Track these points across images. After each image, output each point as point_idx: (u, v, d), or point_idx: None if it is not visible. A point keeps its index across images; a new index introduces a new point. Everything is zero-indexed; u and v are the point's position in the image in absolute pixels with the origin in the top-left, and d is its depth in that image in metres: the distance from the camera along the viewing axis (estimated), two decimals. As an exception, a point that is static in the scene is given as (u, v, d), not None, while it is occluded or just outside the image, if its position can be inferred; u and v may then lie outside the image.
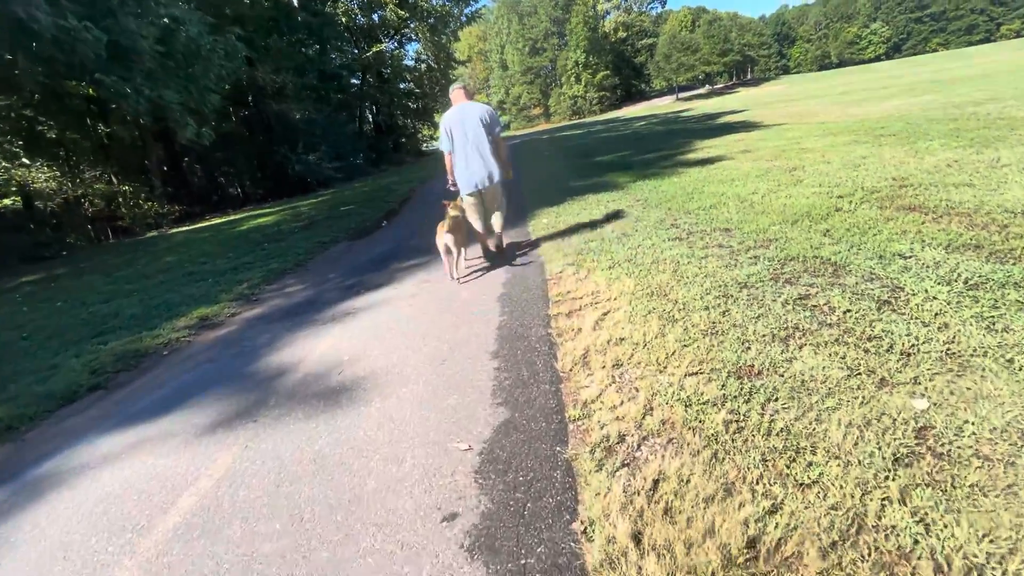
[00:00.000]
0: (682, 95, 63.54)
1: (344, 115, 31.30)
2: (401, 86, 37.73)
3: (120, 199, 16.73)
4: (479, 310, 3.56)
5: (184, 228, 15.53)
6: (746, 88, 63.99)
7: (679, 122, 22.77)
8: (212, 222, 15.97)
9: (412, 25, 33.30)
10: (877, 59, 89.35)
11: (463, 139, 4.20)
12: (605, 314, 3.04)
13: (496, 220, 4.65)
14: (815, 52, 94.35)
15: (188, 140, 12.77)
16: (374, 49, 31.29)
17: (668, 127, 20.23)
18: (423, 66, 38.52)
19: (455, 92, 4.46)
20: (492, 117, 4.27)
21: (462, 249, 4.42)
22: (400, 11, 30.31)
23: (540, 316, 3.25)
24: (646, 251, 4.10)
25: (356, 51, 31.92)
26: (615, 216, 5.65)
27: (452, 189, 4.58)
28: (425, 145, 44.27)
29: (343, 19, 27.97)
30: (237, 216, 16.06)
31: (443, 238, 4.23)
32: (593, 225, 5.39)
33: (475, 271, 4.65)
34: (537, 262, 4.50)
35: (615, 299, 3.24)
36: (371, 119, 37.11)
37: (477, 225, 4.59)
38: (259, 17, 15.40)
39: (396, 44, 38.17)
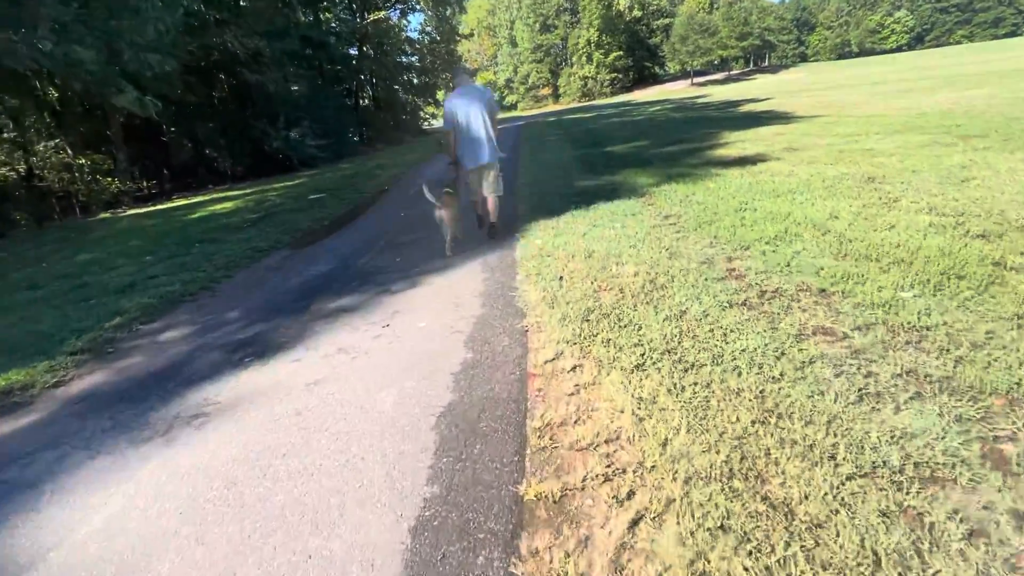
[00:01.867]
0: (697, 80, 60.86)
1: (338, 88, 29.27)
2: (403, 60, 35.49)
3: (76, 174, 14.99)
4: (392, 455, 1.95)
5: (141, 210, 13.85)
6: (764, 75, 61.23)
7: (697, 109, 20.84)
8: (174, 204, 14.29)
9: (414, -9, 30.99)
10: (899, 49, 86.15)
11: (466, 119, 4.51)
12: (636, 520, 1.45)
13: (491, 203, 4.86)
14: (835, 40, 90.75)
15: (125, 110, 11.00)
16: (372, 17, 29.08)
17: (686, 114, 18.34)
18: (426, 39, 36.21)
19: (459, 77, 4.92)
20: (491, 100, 4.69)
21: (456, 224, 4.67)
22: (400, -25, 28.00)
23: (502, 504, 1.65)
24: (696, 331, 2.48)
25: (355, 19, 29.72)
26: (637, 244, 4.01)
27: (451, 165, 4.93)
28: (426, 123, 42.10)
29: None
30: (203, 198, 14.36)
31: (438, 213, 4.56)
32: (606, 260, 3.76)
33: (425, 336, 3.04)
34: (517, 329, 2.88)
35: (651, 463, 1.65)
36: (370, 94, 34.97)
37: (474, 194, 4.99)
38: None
39: (399, 13, 35.83)
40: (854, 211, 4.12)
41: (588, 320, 2.76)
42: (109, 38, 8.49)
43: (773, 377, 1.99)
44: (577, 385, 2.18)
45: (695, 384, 2.02)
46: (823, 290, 2.72)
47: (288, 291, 4.31)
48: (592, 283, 3.32)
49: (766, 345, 2.23)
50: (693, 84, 57.46)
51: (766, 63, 79.55)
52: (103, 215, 13.88)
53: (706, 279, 3.09)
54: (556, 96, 69.74)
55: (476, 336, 2.85)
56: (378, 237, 5.91)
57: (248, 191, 14.39)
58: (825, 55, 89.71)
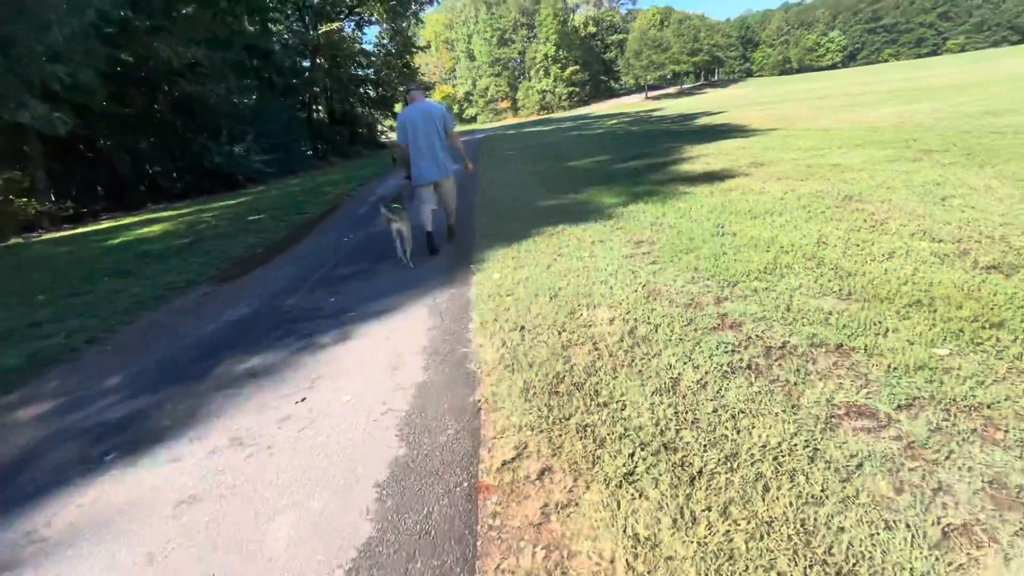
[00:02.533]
0: (652, 94, 62.53)
1: (290, 101, 28.03)
2: (359, 72, 34.51)
3: (-19, 194, 13.37)
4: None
5: (59, 234, 12.44)
6: (714, 89, 63.57)
7: (654, 122, 20.97)
8: (100, 226, 12.91)
9: (368, 3, 30.18)
10: (834, 66, 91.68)
11: (416, 136, 4.56)
12: None
13: (451, 212, 5.15)
14: (777, 57, 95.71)
15: (30, 126, 9.76)
16: (324, 28, 28.08)
17: (644, 127, 18.34)
18: (382, 52, 35.39)
19: (412, 93, 4.90)
20: (445, 115, 4.66)
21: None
22: (352, -14, 27.18)
23: None
24: (697, 412, 1.93)
25: (307, 31, 28.63)
26: (609, 279, 3.47)
27: (406, 180, 4.95)
28: (384, 136, 41.10)
29: (286, -9, 24.70)
30: (133, 220, 13.05)
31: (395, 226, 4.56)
32: (575, 301, 3.20)
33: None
34: (467, 406, 2.26)
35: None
36: (325, 106, 33.77)
37: (429, 208, 4.91)
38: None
39: (354, 25, 34.88)
40: (842, 236, 3.73)
41: (557, 392, 2.17)
42: (4, 44, 7.34)
43: (813, 497, 1.45)
44: (546, 507, 1.57)
45: (709, 510, 1.45)
46: (841, 346, 2.24)
47: (194, 344, 3.52)
48: (560, 335, 2.74)
49: (792, 437, 1.69)
50: (648, 98, 58.94)
51: (715, 78, 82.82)
52: (14, 240, 12.35)
53: (696, 329, 2.56)
54: (515, 109, 70.13)
55: (414, 418, 2.20)
56: (314, 268, 5.16)
57: (184, 211, 13.19)
58: (768, 71, 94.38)
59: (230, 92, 15.47)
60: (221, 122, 16.37)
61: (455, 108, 76.32)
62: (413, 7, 33.62)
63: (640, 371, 2.24)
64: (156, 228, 10.24)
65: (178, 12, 13.85)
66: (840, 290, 2.84)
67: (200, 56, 13.79)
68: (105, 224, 13.29)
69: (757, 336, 2.42)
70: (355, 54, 32.27)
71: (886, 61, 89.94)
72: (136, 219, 13.05)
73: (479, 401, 2.25)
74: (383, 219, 4.67)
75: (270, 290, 4.63)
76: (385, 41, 35.43)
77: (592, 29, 69.44)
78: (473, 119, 73.74)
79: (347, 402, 2.42)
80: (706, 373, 2.15)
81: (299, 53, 28.33)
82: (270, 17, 26.30)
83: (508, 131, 31.08)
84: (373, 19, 33.29)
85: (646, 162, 9.10)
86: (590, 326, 2.79)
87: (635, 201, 5.86)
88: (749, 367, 2.16)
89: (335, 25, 27.24)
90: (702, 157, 8.82)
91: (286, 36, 28.69)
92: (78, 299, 5.23)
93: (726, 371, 2.15)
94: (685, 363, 2.25)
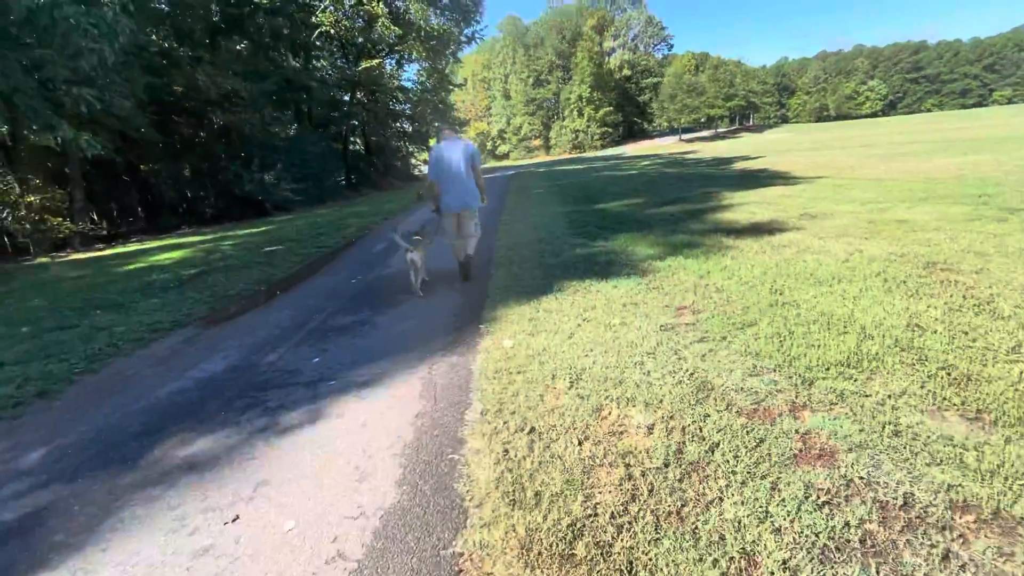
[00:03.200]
0: (685, 137, 62.43)
1: (328, 132, 28.81)
2: (396, 107, 35.47)
3: (18, 212, 13.69)
4: None
5: (85, 255, 12.53)
6: (749, 134, 63.08)
7: (689, 165, 20.44)
8: (126, 249, 13.00)
9: (408, 43, 31.20)
10: (874, 115, 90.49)
11: (448, 170, 4.86)
12: None
13: (470, 244, 5.23)
14: (813, 104, 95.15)
15: (64, 147, 9.88)
16: (364, 64, 29.03)
17: (680, 170, 17.79)
18: (420, 87, 36.40)
19: (444, 132, 5.21)
20: (474, 153, 5.00)
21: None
22: (394, 27, 28.13)
23: None
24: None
25: (348, 67, 29.66)
26: (645, 361, 2.80)
27: (433, 212, 5.20)
28: (417, 170, 41.85)
29: (331, 29, 25.71)
30: (160, 244, 13.11)
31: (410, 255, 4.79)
32: (602, 391, 2.53)
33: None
34: (443, 566, 1.60)
35: None
36: (361, 139, 34.70)
37: (453, 238, 5.18)
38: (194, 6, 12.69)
39: (395, 63, 36.11)
40: (940, 318, 2.98)
41: (572, 558, 1.49)
42: (34, 67, 7.44)
43: None
44: None
45: None
46: (998, 512, 1.50)
47: (146, 410, 2.98)
48: (581, 445, 2.07)
49: None
50: (682, 140, 58.80)
51: (750, 123, 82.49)
52: (41, 259, 12.48)
53: (770, 457, 1.86)
54: (547, 147, 71.04)
55: (366, 579, 1.55)
56: (311, 315, 4.65)
57: (209, 237, 13.18)
58: (805, 117, 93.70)
59: (265, 122, 15.71)
60: (254, 151, 16.59)
61: (488, 145, 77.99)
62: (452, 47, 34.59)
63: (694, 532, 1.54)
64: (175, 255, 10.09)
65: (220, 45, 14.27)
66: (963, 404, 2.10)
67: (238, 87, 14.07)
68: (132, 247, 13.38)
69: (862, 480, 1.70)
70: (393, 90, 33.20)
71: (929, 111, 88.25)
72: (161, 243, 13.09)
73: (460, 557, 1.59)
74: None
75: (256, 339, 4.12)
76: (424, 78, 36.46)
77: (627, 72, 70.52)
78: (506, 156, 75.01)
79: (288, 533, 1.79)
80: (794, 549, 1.44)
81: (339, 87, 29.26)
82: (313, 54, 27.39)
83: (539, 168, 31.10)
84: (413, 57, 34.37)
85: (683, 208, 8.47)
86: (621, 434, 2.12)
87: (673, 254, 5.20)
88: (863, 544, 1.44)
89: (375, 62, 28.03)
90: (745, 205, 8.14)
91: (329, 71, 29.80)
92: (59, 334, 4.84)
93: (825, 550, 1.43)
94: (760, 524, 1.55)
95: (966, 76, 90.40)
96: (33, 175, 15.71)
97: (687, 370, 2.63)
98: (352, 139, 34.83)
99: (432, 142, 38.57)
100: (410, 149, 39.90)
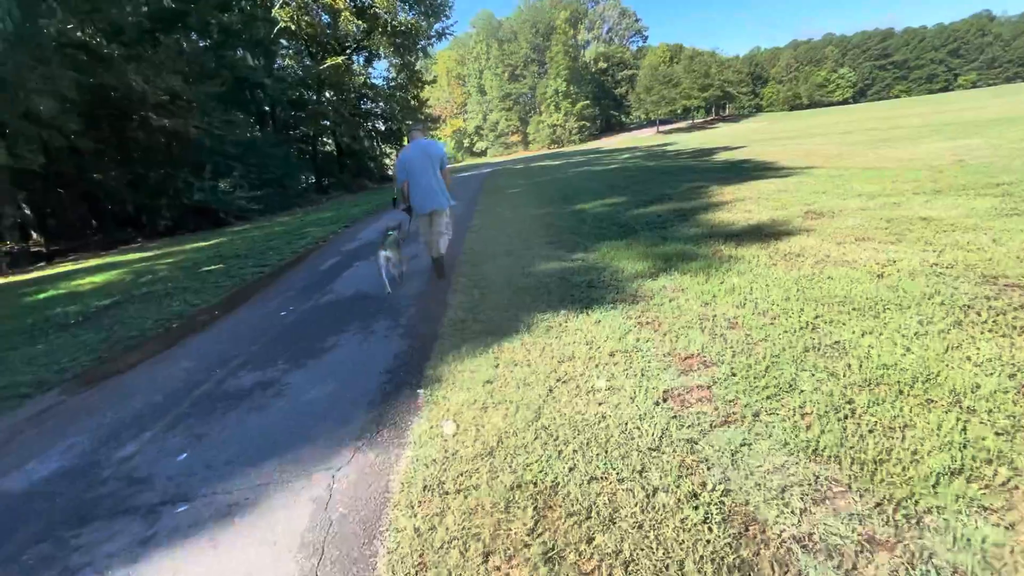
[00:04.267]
0: (663, 128, 62.06)
1: (293, 134, 27.41)
2: (367, 106, 34.07)
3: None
4: None
5: (5, 279, 11.16)
6: (726, 124, 62.98)
7: (670, 157, 19.65)
8: (48, 271, 11.67)
9: (375, 38, 29.82)
10: (844, 102, 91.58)
11: (417, 171, 4.92)
12: None
13: (441, 242, 5.18)
14: (786, 93, 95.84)
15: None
16: (329, 61, 27.61)
17: (660, 163, 16.99)
18: (390, 85, 35.04)
19: (412, 132, 5.30)
20: (442, 155, 5.07)
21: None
22: (358, 21, 26.77)
23: None
24: None
25: (312, 64, 28.17)
26: (646, 461, 1.86)
27: (403, 209, 5.32)
28: (391, 170, 40.49)
29: (291, 25, 24.27)
30: (87, 264, 11.79)
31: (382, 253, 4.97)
32: (582, 531, 1.58)
33: None
34: None
35: None
36: (331, 140, 33.23)
37: (427, 236, 5.19)
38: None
39: (363, 60, 34.71)
40: (1058, 374, 2.10)
41: None
42: None
43: None
44: None
45: None
46: None
47: None
48: None
49: None
50: (660, 132, 58.39)
51: (726, 112, 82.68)
52: (-45, 286, 11.08)
53: None
54: (526, 143, 70.06)
55: None
56: (211, 370, 3.61)
57: (151, 253, 11.91)
58: (779, 106, 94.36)
59: (212, 126, 14.39)
60: (205, 157, 15.25)
61: (465, 142, 76.66)
62: (421, 42, 33.31)
63: None
64: (100, 278, 8.86)
65: (160, 42, 12.92)
66: None
67: (179, 88, 12.75)
68: (65, 267, 12.03)
69: None
70: (360, 87, 31.78)
71: (897, 97, 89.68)
72: (98, 262, 11.77)
73: None
74: (344, 278, 5.42)
75: (124, 414, 3.07)
76: (393, 75, 35.13)
77: (603, 65, 69.83)
78: (483, 153, 73.80)
79: None
80: None
81: (304, 86, 27.80)
82: (279, 52, 25.90)
83: (516, 165, 30.12)
84: (380, 53, 33.01)
85: (670, 207, 7.58)
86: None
87: (666, 269, 4.29)
88: None
89: (339, 59, 26.63)
90: (738, 202, 7.29)
91: (297, 71, 28.32)
92: None
93: None
94: None
95: (932, 62, 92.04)
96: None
97: (714, 487, 1.69)
98: (323, 140, 33.40)
99: (406, 141, 37.30)
100: (384, 149, 38.60)
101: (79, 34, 10.21)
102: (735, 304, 3.34)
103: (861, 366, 2.36)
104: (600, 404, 2.32)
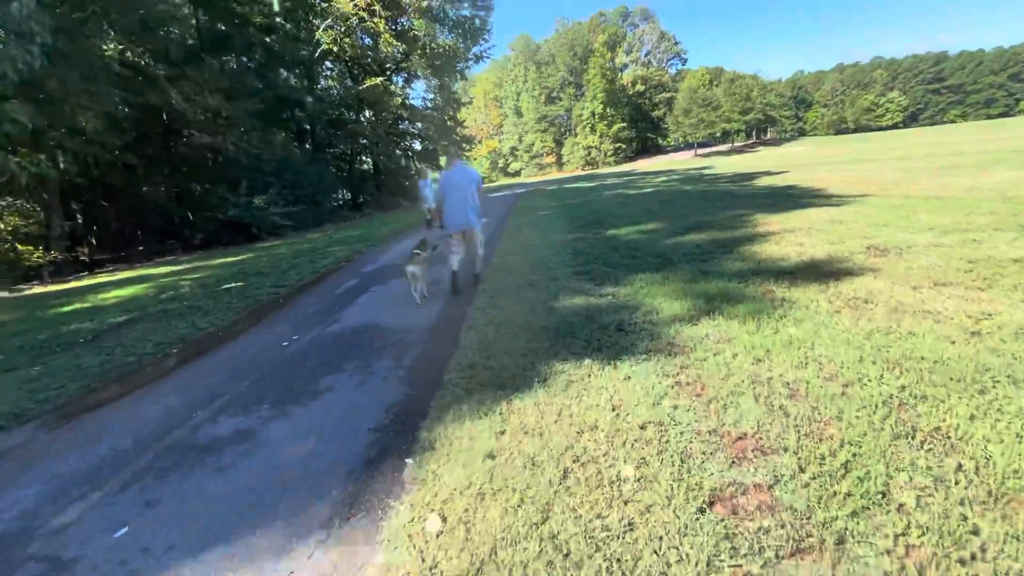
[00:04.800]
0: (701, 151, 60.95)
1: (331, 152, 28.07)
2: (402, 126, 34.74)
3: (-16, 240, 12.79)
4: None
5: (43, 288, 11.48)
6: (767, 148, 61.29)
7: (708, 181, 18.90)
8: (87, 281, 11.95)
9: (413, 59, 30.47)
10: (895, 127, 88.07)
11: (453, 192, 5.37)
12: None
13: (476, 259, 5.83)
14: (831, 117, 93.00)
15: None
16: (368, 82, 28.31)
17: (698, 187, 16.31)
18: (429, 105, 35.67)
19: (451, 159, 5.84)
20: (478, 180, 5.57)
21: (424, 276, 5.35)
22: (397, 43, 27.39)
23: None
24: None
25: (353, 85, 28.96)
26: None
27: (438, 227, 5.78)
28: (416, 192, 40.96)
29: (333, 47, 25.04)
30: (120, 276, 12.02)
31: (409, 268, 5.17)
32: None
33: None
34: None
35: None
36: (369, 159, 33.96)
37: (458, 254, 5.58)
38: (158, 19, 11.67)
39: (402, 81, 35.51)
40: None
41: None
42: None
43: None
44: None
45: None
46: None
47: None
48: None
49: None
50: (697, 155, 57.29)
51: (767, 136, 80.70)
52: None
53: None
54: (560, 164, 70.10)
55: None
56: (190, 411, 3.27)
57: (181, 268, 12.07)
58: (823, 130, 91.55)
59: (251, 144, 14.68)
60: (242, 173, 15.56)
61: (500, 163, 77.35)
62: (459, 65, 33.83)
63: None
64: (127, 292, 8.90)
65: (205, 62, 13.35)
66: None
67: (219, 106, 13.09)
68: (101, 278, 12.32)
69: None
70: (398, 108, 32.42)
71: (952, 122, 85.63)
72: (131, 274, 11.99)
73: None
74: (356, 305, 5.68)
75: (84, 463, 2.74)
76: (431, 96, 35.76)
77: (640, 88, 69.54)
78: (517, 173, 74.26)
79: None
80: None
81: (345, 106, 28.53)
82: (322, 74, 26.73)
83: (549, 186, 29.87)
84: (418, 75, 33.67)
85: (709, 236, 6.99)
86: None
87: (708, 312, 3.73)
88: None
89: (378, 80, 27.23)
90: (787, 233, 6.63)
91: (339, 90, 29.15)
92: None
93: None
94: None
95: (990, 86, 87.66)
96: (16, 199, 14.98)
97: None
98: (360, 158, 34.14)
99: (443, 160, 37.73)
100: (419, 168, 39.16)
101: (129, 54, 10.57)
102: (795, 363, 2.77)
103: (978, 470, 1.77)
104: (627, 503, 1.81)
